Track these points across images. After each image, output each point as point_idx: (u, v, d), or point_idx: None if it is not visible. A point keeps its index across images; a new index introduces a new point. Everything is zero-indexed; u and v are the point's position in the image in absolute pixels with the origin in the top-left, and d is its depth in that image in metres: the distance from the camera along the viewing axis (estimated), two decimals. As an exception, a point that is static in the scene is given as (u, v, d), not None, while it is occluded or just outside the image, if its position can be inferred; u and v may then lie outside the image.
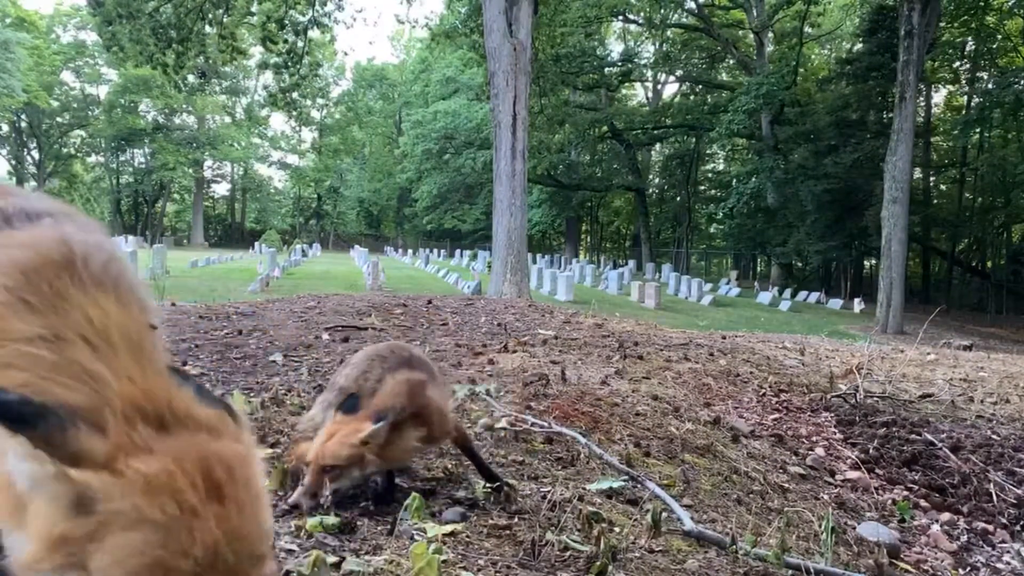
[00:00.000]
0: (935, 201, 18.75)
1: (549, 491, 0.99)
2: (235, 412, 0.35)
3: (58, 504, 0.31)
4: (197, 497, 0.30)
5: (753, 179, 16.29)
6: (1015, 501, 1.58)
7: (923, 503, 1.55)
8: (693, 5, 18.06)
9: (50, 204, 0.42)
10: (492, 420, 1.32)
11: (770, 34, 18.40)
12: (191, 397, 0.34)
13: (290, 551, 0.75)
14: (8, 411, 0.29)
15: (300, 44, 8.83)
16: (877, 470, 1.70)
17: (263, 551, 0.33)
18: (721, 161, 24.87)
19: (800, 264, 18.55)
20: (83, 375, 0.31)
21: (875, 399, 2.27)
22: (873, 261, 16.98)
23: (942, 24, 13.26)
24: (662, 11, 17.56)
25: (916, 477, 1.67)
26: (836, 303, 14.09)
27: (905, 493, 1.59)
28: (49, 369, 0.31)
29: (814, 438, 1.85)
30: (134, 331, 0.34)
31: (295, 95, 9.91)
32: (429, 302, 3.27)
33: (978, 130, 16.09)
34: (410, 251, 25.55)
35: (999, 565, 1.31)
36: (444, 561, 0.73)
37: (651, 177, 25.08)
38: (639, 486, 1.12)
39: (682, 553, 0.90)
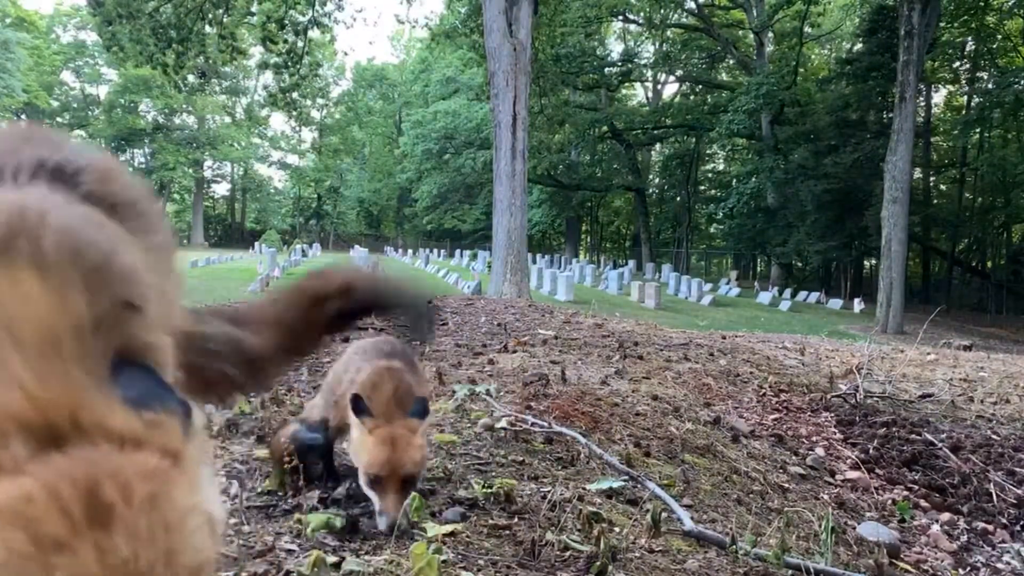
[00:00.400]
0: (935, 201, 18.74)
1: (549, 491, 0.99)
2: (186, 418, 0.28)
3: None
4: (67, 527, 0.23)
5: (753, 179, 16.30)
6: (1015, 501, 1.58)
7: (923, 503, 1.55)
8: (693, 5, 18.07)
9: (86, 161, 0.35)
10: (492, 420, 1.32)
11: (770, 34, 18.38)
12: (115, 403, 0.26)
13: (290, 551, 0.75)
14: None
15: (300, 44, 8.84)
16: (877, 470, 1.70)
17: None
18: (721, 161, 24.88)
19: (800, 264, 18.56)
20: None
21: (875, 399, 2.27)
22: (873, 261, 16.98)
23: (942, 24, 13.26)
24: (662, 11, 17.57)
25: (916, 477, 1.67)
26: (836, 303, 14.07)
27: (905, 493, 1.59)
28: None
29: (814, 438, 1.85)
30: (61, 324, 0.26)
31: (295, 95, 9.91)
32: (429, 302, 3.26)
33: (978, 130, 16.09)
34: (410, 251, 25.55)
35: (999, 565, 1.31)
36: (444, 561, 0.73)
37: (651, 177, 25.07)
38: (639, 486, 1.12)
39: (682, 553, 0.91)
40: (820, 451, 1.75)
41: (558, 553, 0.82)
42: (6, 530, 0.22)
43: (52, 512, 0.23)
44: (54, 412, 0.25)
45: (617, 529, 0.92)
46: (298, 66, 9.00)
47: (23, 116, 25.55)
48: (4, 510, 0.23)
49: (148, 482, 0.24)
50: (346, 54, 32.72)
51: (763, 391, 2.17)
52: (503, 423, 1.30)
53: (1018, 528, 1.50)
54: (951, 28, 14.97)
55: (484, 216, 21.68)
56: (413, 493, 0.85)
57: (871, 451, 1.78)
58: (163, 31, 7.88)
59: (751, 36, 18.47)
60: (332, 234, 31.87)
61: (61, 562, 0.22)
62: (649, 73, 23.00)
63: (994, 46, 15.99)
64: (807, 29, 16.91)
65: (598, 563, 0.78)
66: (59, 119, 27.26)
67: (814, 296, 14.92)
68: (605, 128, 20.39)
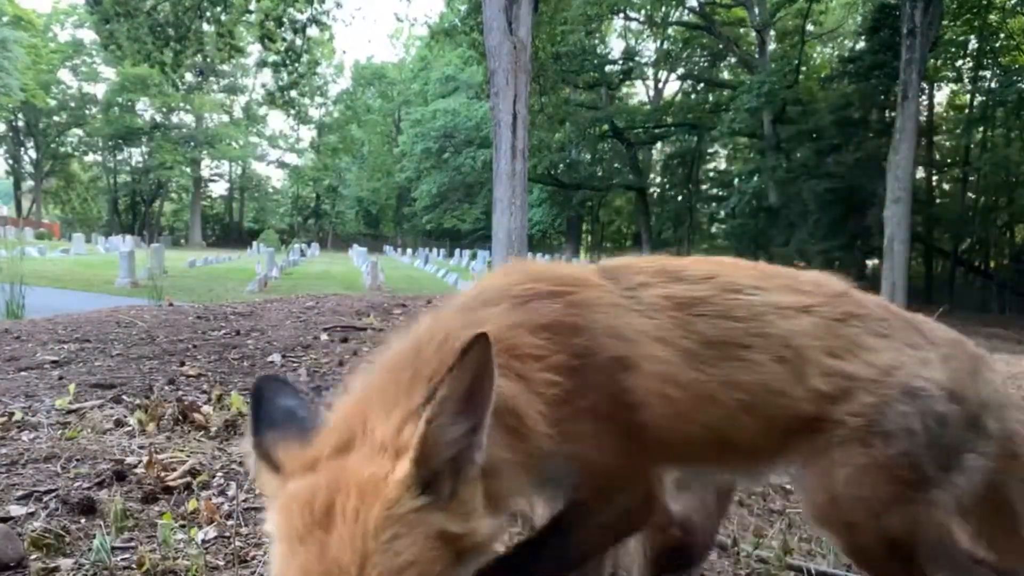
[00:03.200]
0: (938, 201, 18.64)
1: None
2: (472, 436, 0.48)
3: None
4: (306, 524, 0.45)
5: (755, 178, 16.26)
6: (1020, 503, 1.55)
7: (927, 505, 1.52)
8: (694, 3, 18.07)
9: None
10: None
11: (772, 32, 18.29)
12: (399, 416, 0.49)
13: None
14: None
15: (299, 42, 8.80)
16: (881, 472, 1.66)
17: None
18: (723, 160, 24.82)
19: (802, 264, 18.48)
20: None
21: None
22: (876, 261, 16.86)
23: (945, 22, 13.19)
24: (663, 9, 17.51)
25: (920, 479, 1.64)
26: (837, 303, 14.08)
27: (909, 495, 1.56)
28: None
29: (817, 439, 1.82)
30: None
31: (294, 93, 9.87)
32: (429, 302, 3.25)
33: (981, 129, 16.12)
34: (409, 251, 25.53)
35: (1004, 568, 1.29)
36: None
37: (652, 176, 25.07)
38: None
39: (685, 557, 0.88)
40: (823, 452, 1.72)
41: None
42: (284, 515, 0.45)
43: (303, 510, 0.43)
44: (355, 420, 0.48)
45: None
46: (296, 64, 8.96)
47: (20, 115, 25.53)
48: (288, 501, 0.45)
49: (369, 489, 0.43)
50: (344, 52, 32.71)
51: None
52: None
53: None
54: (954, 26, 14.89)
55: (484, 215, 21.74)
56: None
57: (875, 452, 1.75)
58: (161, 29, 7.85)
59: (753, 34, 18.39)
60: (331, 233, 31.87)
61: (298, 550, 0.42)
62: (650, 71, 22.98)
63: (997, 44, 15.90)
64: (809, 27, 16.95)
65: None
66: (56, 118, 27.22)
67: (815, 296, 14.89)
68: (606, 127, 20.31)
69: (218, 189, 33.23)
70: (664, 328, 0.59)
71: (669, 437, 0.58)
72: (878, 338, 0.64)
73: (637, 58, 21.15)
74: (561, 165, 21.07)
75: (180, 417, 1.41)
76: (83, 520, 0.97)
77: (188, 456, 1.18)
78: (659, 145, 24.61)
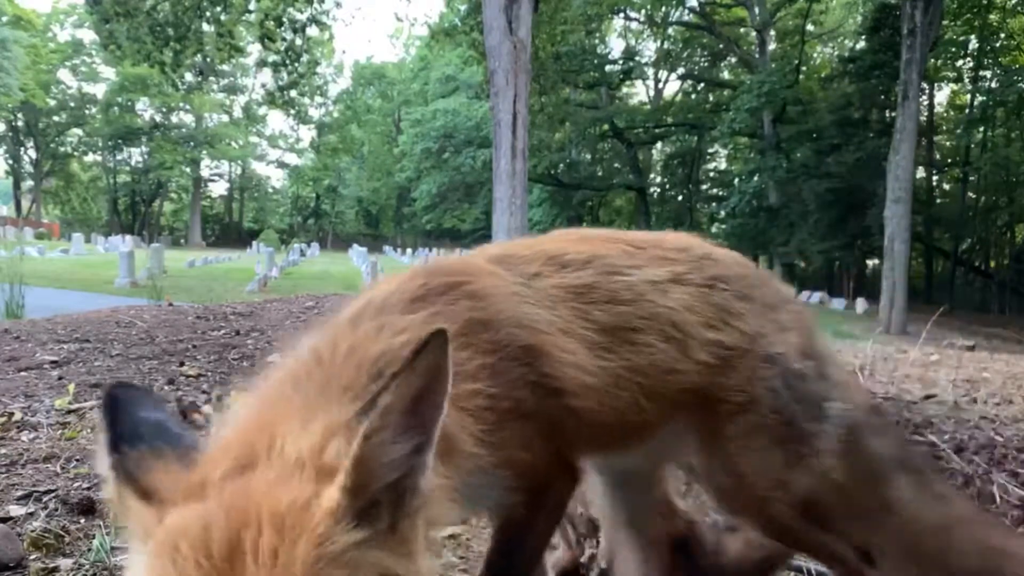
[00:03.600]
0: (938, 201, 18.65)
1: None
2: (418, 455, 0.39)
3: None
4: (202, 568, 0.33)
5: (755, 178, 16.25)
6: (1019, 503, 1.56)
7: (926, 505, 1.53)
8: (695, 3, 18.11)
9: None
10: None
11: (772, 32, 18.27)
12: (318, 428, 0.39)
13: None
14: None
15: (298, 42, 8.80)
16: (880, 472, 1.67)
17: None
18: (723, 160, 24.79)
19: (803, 264, 18.53)
20: None
21: (878, 400, 2.25)
22: (876, 261, 16.91)
23: (945, 22, 13.15)
24: (663, 9, 17.50)
25: (919, 479, 1.66)
26: (839, 303, 13.99)
27: (908, 495, 1.57)
28: None
29: (816, 439, 1.82)
30: None
31: (293, 93, 9.87)
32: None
33: (981, 129, 16.00)
34: (409, 250, 25.50)
35: (1003, 568, 1.29)
36: (444, 563, 0.72)
37: (652, 176, 25.04)
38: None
39: (684, 557, 0.89)
40: (823, 452, 1.73)
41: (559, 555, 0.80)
42: (165, 558, 0.32)
43: (195, 550, 0.32)
44: (257, 435, 0.36)
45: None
46: (296, 64, 8.95)
47: (20, 115, 25.52)
48: (171, 538, 0.32)
49: (291, 516, 0.31)
50: (344, 52, 32.68)
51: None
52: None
53: (1022, 530, 1.48)
54: (954, 26, 14.87)
55: (484, 215, 21.72)
56: None
57: (874, 452, 1.76)
58: (161, 29, 7.85)
59: (753, 34, 18.37)
60: (331, 233, 31.84)
61: None
62: (650, 71, 22.95)
63: (997, 44, 15.88)
64: (809, 27, 16.94)
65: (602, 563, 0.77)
66: (56, 117, 27.19)
67: (817, 296, 14.80)
68: (606, 127, 20.34)
69: (218, 189, 33.25)
70: (566, 320, 0.59)
71: (588, 424, 0.58)
72: (742, 301, 0.66)
73: (637, 58, 21.14)
74: (561, 165, 21.08)
75: (180, 417, 1.42)
76: (83, 520, 0.97)
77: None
78: (659, 145, 24.59)
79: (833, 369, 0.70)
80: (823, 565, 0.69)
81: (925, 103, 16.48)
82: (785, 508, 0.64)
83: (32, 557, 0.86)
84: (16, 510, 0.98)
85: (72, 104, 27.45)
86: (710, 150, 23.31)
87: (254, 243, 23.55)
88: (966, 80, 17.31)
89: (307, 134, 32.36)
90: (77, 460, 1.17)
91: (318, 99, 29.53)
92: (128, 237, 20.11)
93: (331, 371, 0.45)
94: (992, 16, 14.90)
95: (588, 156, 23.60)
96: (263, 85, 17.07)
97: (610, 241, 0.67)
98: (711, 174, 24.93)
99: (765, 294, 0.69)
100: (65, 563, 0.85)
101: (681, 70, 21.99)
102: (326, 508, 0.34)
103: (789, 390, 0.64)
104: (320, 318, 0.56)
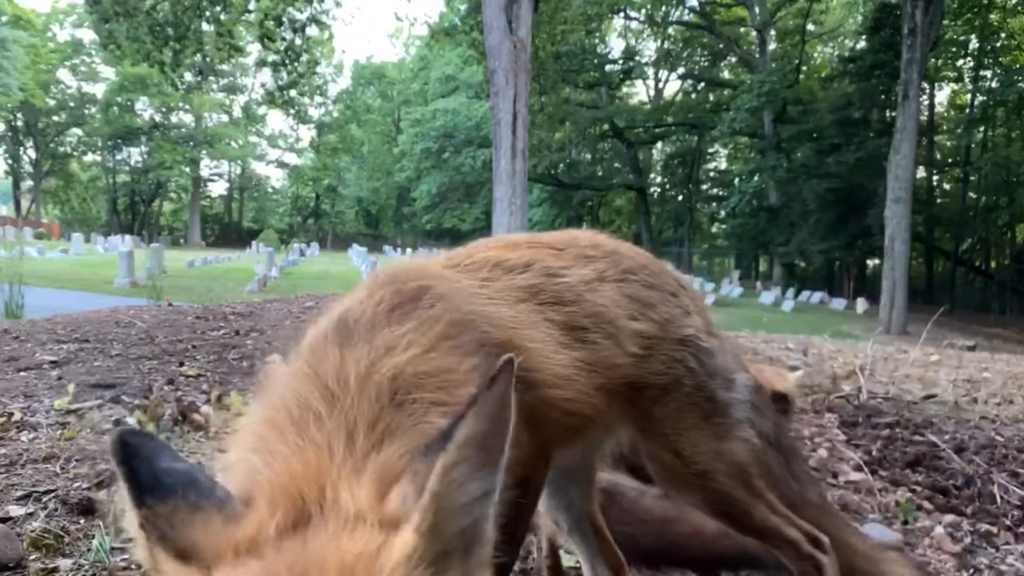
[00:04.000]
0: (938, 200, 18.65)
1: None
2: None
3: None
4: None
5: (755, 178, 16.27)
6: (1019, 503, 1.56)
7: (926, 505, 1.53)
8: (695, 2, 18.19)
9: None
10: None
11: (772, 32, 18.29)
12: (364, 477, 0.36)
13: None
14: None
15: (298, 42, 8.79)
16: (880, 472, 1.67)
17: None
18: (723, 160, 24.79)
19: (803, 264, 18.52)
20: None
21: (878, 400, 2.25)
22: (876, 261, 16.91)
23: (945, 22, 13.18)
24: (663, 8, 17.52)
25: (919, 479, 1.64)
26: (839, 303, 13.98)
27: (908, 495, 1.56)
28: None
29: (817, 439, 1.83)
30: None
31: (293, 93, 9.87)
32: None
33: (982, 128, 16.10)
34: (409, 250, 25.51)
35: (1003, 567, 1.29)
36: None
37: (652, 176, 25.00)
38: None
39: (684, 557, 0.89)
40: (823, 452, 1.73)
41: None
42: None
43: None
44: (304, 486, 0.32)
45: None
46: (296, 64, 8.95)
47: (19, 114, 25.50)
48: None
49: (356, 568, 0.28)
50: (344, 52, 32.66)
51: (765, 392, 2.15)
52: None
53: (1022, 530, 1.48)
54: (955, 26, 14.90)
55: (484, 215, 21.67)
56: None
57: (874, 452, 1.76)
58: (160, 29, 7.84)
59: (753, 34, 18.37)
60: (330, 233, 31.81)
61: None
62: (650, 71, 22.94)
63: (998, 44, 15.89)
64: (810, 27, 17.00)
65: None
66: (55, 117, 27.15)
67: (817, 296, 14.82)
68: (606, 126, 20.33)
69: (217, 189, 33.17)
70: (529, 317, 0.60)
71: (565, 414, 0.60)
72: (651, 291, 0.70)
73: (637, 57, 21.14)
74: (561, 165, 21.07)
75: (179, 417, 1.41)
76: (82, 520, 0.97)
77: (187, 456, 1.19)
78: (659, 145, 24.57)
79: (730, 345, 0.76)
80: (781, 555, 0.69)
81: (925, 103, 16.53)
82: (727, 480, 0.67)
83: (32, 557, 0.86)
84: (16, 510, 0.98)
85: (72, 104, 27.41)
86: (710, 150, 23.31)
87: (254, 243, 23.47)
88: (966, 80, 17.36)
89: (307, 134, 32.37)
90: (77, 460, 1.17)
91: (318, 99, 29.57)
92: (128, 237, 20.07)
93: (348, 406, 0.42)
94: (992, 16, 14.93)
95: (588, 156, 23.58)
96: (263, 85, 17.07)
97: (535, 245, 0.69)
98: (711, 174, 24.93)
99: (667, 282, 0.72)
100: (65, 563, 0.85)
101: (681, 70, 22.01)
102: (399, 553, 0.31)
103: (703, 367, 0.68)
104: (308, 325, 0.53)
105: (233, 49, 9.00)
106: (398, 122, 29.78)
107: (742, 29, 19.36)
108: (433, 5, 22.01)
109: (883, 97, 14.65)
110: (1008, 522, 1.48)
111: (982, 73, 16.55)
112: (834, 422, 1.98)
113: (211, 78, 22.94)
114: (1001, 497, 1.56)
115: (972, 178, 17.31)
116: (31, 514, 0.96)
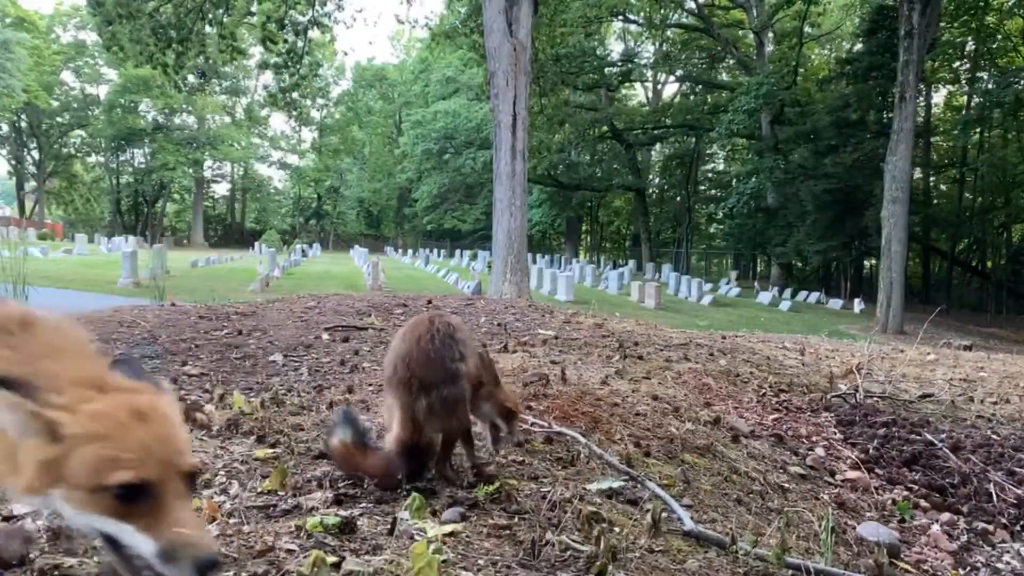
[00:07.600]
0: (935, 201, 18.82)
1: (549, 491, 0.99)
2: (160, 385, 0.61)
3: (38, 437, 0.51)
4: (127, 419, 0.52)
5: (753, 179, 16.34)
6: (1015, 501, 1.57)
7: (923, 503, 1.54)
8: (693, 5, 18.15)
9: None
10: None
11: (770, 34, 18.44)
12: (121, 377, 0.58)
13: (290, 551, 0.74)
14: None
15: (300, 44, 8.85)
16: (877, 470, 1.68)
17: (183, 447, 0.55)
18: (721, 161, 24.96)
19: (800, 264, 18.60)
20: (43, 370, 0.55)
21: (875, 399, 2.26)
22: (873, 261, 17.00)
23: (942, 24, 13.31)
24: (662, 11, 17.63)
25: (916, 477, 1.66)
26: (836, 303, 14.12)
27: (905, 493, 1.58)
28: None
29: (814, 438, 1.84)
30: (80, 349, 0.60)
31: (295, 95, 9.94)
32: (429, 302, 3.26)
33: (978, 130, 16.18)
34: (410, 251, 25.55)
35: (999, 565, 1.31)
36: (444, 561, 0.73)
37: (651, 177, 25.17)
38: (639, 486, 1.12)
39: (682, 553, 0.90)
40: (820, 451, 1.74)
41: (558, 553, 0.82)
42: (103, 420, 0.53)
43: (120, 413, 0.53)
44: (96, 379, 0.57)
45: (617, 529, 0.92)
46: (298, 66, 9.01)
47: (23, 116, 25.58)
48: (97, 413, 0.53)
49: (154, 404, 0.56)
50: (346, 54, 32.85)
51: (763, 391, 2.16)
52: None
53: (1018, 528, 1.49)
54: (951, 28, 15.06)
55: (484, 216, 21.77)
56: (414, 494, 0.85)
57: (871, 451, 1.77)
58: (163, 31, 7.90)
59: (751, 36, 18.51)
60: (332, 234, 31.92)
61: (130, 434, 0.53)
62: (649, 73, 23.14)
63: (994, 46, 16.05)
64: (807, 29, 17.05)
65: (598, 563, 0.78)
66: (59, 119, 27.28)
67: (814, 296, 14.97)
68: (605, 128, 20.45)
69: (220, 190, 33.34)
70: None
71: None
72: None
73: (636, 60, 21.32)
74: (561, 166, 21.16)
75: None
76: (89, 517, 0.98)
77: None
78: (658, 146, 24.75)
79: None
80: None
81: (922, 104, 16.60)
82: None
83: (36, 555, 0.87)
84: (19, 508, 0.99)
85: (75, 105, 27.59)
86: (708, 151, 23.56)
87: (256, 243, 23.64)
88: (963, 81, 17.54)
89: (309, 135, 32.58)
90: (82, 458, 1.18)
91: (319, 101, 29.71)
92: (131, 237, 20.11)
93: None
94: (989, 18, 15.05)
95: (587, 157, 23.66)
96: (265, 87, 17.18)
97: None
98: (709, 175, 25.14)
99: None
100: (69, 561, 0.86)
101: (680, 72, 22.11)
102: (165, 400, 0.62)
103: None
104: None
105: (235, 51, 9.06)
106: (399, 124, 29.90)
107: (740, 31, 19.48)
108: (434, 8, 22.07)
109: (880, 99, 14.75)
110: (1004, 520, 1.49)
111: (978, 75, 16.71)
112: (831, 421, 1.99)
113: (213, 80, 23.04)
114: (997, 495, 1.57)
115: (968, 179, 17.38)
116: (35, 511, 0.98)
